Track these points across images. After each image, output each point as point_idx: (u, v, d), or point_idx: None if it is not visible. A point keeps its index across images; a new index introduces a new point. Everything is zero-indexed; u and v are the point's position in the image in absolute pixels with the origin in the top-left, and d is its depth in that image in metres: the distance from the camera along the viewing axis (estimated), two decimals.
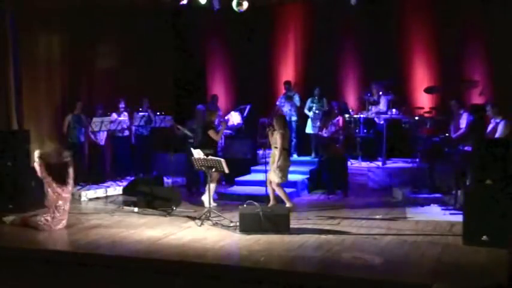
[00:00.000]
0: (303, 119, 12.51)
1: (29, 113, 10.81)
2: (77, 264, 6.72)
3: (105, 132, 11.53)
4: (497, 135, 8.77)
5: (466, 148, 8.71)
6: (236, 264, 6.40)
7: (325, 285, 5.81)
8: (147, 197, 9.37)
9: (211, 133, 9.49)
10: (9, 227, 8.16)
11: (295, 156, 12.03)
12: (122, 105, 11.81)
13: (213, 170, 8.55)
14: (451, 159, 9.21)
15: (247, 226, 7.57)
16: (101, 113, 11.39)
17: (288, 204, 8.78)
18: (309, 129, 12.39)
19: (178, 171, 11.43)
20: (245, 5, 10.55)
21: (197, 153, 8.66)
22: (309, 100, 12.42)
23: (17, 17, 10.58)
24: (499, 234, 6.51)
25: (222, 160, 8.37)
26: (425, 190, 9.71)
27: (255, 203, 7.78)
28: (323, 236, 7.38)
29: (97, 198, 10.46)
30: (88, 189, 10.58)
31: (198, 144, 9.46)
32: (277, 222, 7.55)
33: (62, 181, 8.01)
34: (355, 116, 11.87)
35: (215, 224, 8.13)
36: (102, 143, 11.68)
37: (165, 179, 11.23)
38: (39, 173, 7.98)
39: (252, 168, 11.51)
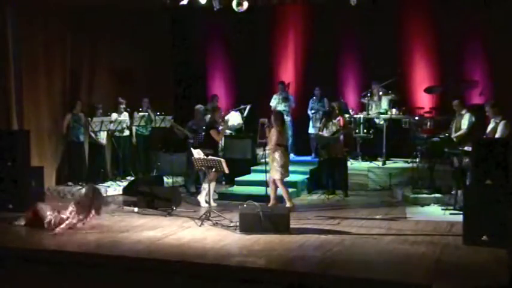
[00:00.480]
0: (304, 119, 12.50)
1: (29, 113, 10.81)
2: (77, 264, 6.72)
3: (106, 132, 11.52)
4: (497, 135, 8.75)
5: (466, 148, 8.70)
6: (236, 264, 6.39)
7: (325, 285, 5.82)
8: (147, 197, 9.37)
9: (213, 133, 9.48)
10: (10, 227, 8.15)
11: (292, 156, 12.00)
12: (122, 105, 11.81)
13: (213, 170, 8.55)
14: (451, 159, 9.21)
15: (247, 226, 7.58)
16: (101, 113, 11.38)
17: (288, 204, 8.80)
18: (310, 129, 12.40)
19: (178, 171, 11.43)
20: (245, 5, 10.53)
21: (197, 153, 8.66)
22: (311, 101, 12.46)
23: (17, 17, 10.58)
24: (499, 234, 6.51)
25: (222, 160, 8.37)
26: (425, 190, 9.71)
27: (255, 203, 7.78)
28: (323, 236, 7.39)
29: None
30: None
31: (198, 144, 9.45)
32: (277, 222, 7.56)
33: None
34: (355, 116, 11.88)
35: (215, 224, 8.13)
36: (104, 142, 11.67)
37: (165, 179, 11.24)
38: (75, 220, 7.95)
39: (252, 168, 11.51)
